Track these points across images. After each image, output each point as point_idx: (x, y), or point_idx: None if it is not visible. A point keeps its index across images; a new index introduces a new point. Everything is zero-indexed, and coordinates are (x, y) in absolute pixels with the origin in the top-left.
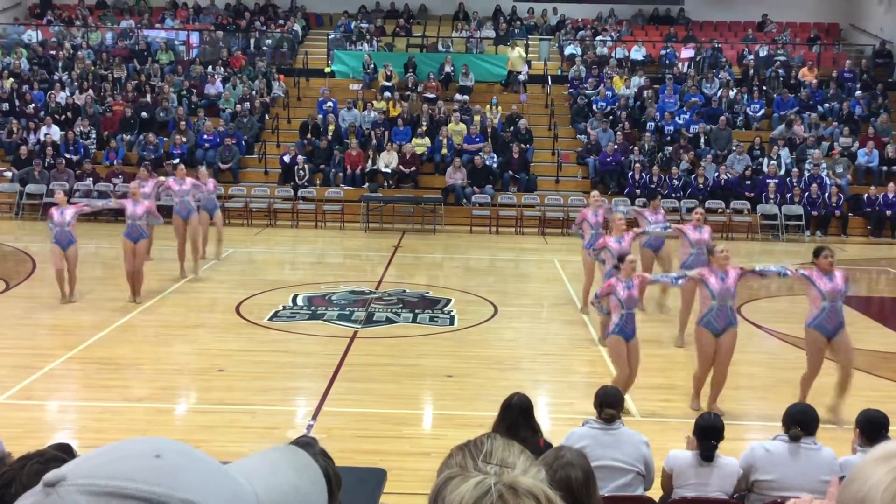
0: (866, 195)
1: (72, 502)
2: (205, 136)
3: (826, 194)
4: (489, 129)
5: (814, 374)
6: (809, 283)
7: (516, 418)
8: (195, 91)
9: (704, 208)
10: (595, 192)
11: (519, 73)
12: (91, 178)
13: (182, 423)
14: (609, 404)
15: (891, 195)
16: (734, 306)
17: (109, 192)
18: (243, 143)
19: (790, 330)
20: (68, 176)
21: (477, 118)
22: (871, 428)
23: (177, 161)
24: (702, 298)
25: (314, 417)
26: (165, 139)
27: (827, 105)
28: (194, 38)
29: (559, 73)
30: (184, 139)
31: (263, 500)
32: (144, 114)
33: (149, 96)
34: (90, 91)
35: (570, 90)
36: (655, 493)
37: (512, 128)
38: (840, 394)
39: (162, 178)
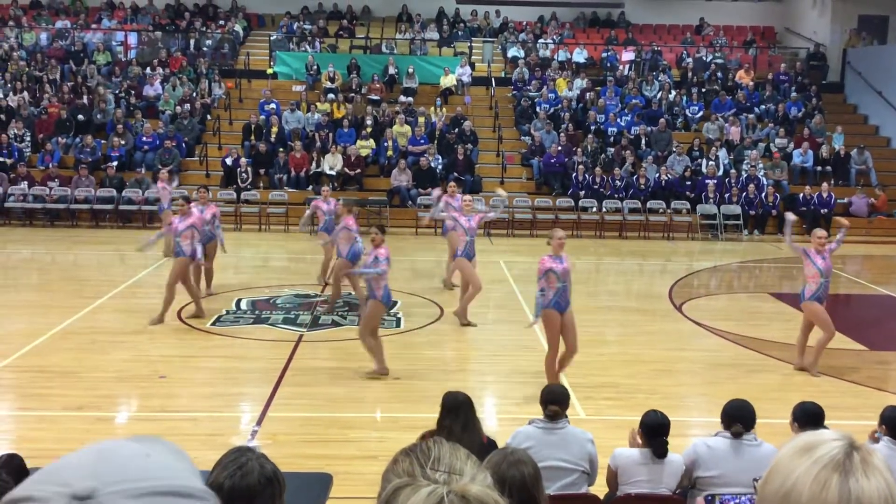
0: (801, 194)
1: None
2: (144, 139)
3: (763, 194)
4: (437, 132)
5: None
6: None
7: (458, 414)
8: (133, 92)
9: (646, 209)
10: (437, 190)
11: (448, 88)
12: (26, 182)
13: (123, 432)
14: (553, 401)
15: (825, 194)
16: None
17: (45, 195)
18: (184, 145)
19: (728, 327)
20: (1, 179)
21: (421, 120)
22: (807, 419)
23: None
24: (550, 281)
25: (259, 423)
26: (103, 142)
27: (763, 107)
28: (132, 39)
29: (503, 75)
30: (122, 142)
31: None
32: (81, 116)
33: (85, 98)
34: (24, 93)
35: (514, 92)
36: (597, 489)
37: (456, 129)
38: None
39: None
